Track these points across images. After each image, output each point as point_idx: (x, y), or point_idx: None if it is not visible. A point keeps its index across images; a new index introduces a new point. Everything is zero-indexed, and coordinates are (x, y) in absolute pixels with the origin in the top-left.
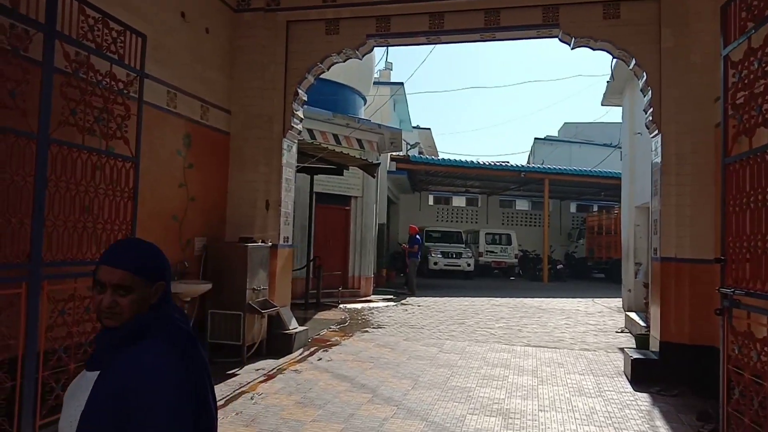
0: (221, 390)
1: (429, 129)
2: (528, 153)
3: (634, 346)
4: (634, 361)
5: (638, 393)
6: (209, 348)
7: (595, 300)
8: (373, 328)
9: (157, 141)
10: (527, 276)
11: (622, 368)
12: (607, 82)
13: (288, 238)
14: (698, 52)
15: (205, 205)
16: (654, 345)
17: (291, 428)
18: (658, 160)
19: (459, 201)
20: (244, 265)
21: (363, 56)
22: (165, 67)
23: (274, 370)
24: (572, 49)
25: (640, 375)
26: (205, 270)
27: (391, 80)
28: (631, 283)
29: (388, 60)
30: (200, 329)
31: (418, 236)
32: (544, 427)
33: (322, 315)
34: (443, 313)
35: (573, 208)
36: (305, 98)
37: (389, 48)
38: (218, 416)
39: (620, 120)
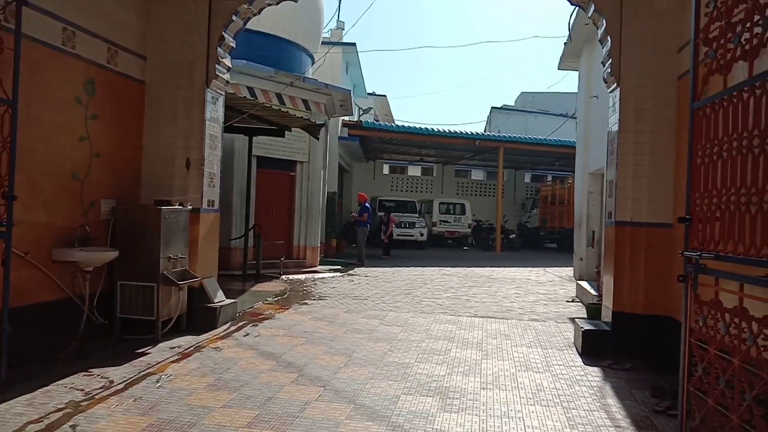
0: (123, 372)
1: (384, 96)
2: (484, 123)
3: (585, 316)
4: (585, 333)
5: (589, 367)
6: (119, 324)
7: (547, 269)
8: (314, 299)
9: (50, 85)
10: (480, 246)
11: (572, 340)
12: (564, 44)
13: (213, 201)
14: None
15: (114, 163)
16: (606, 315)
17: (195, 416)
18: (616, 116)
19: (414, 170)
20: (157, 231)
21: None
22: None
23: (191, 348)
24: None
25: (591, 347)
26: (114, 236)
27: (343, 41)
28: (583, 252)
29: (340, 19)
30: (108, 303)
31: (368, 204)
32: (485, 408)
33: (260, 287)
34: (391, 283)
35: (527, 178)
36: (233, 44)
37: (341, 3)
38: (113, 403)
39: (576, 90)
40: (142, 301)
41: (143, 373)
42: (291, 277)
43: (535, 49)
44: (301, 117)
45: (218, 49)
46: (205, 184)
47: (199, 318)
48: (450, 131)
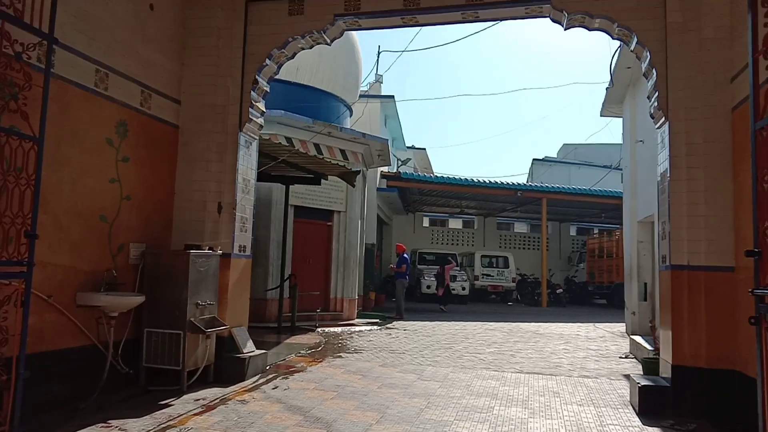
0: (143, 424)
1: (424, 149)
2: (526, 175)
3: (641, 372)
4: (642, 389)
5: (648, 427)
6: (145, 374)
7: (597, 325)
8: (349, 353)
9: (80, 125)
10: (525, 301)
11: (628, 398)
12: (606, 89)
13: (245, 247)
14: (710, 25)
15: (145, 207)
16: (665, 370)
17: None
18: (666, 152)
19: (455, 223)
20: (185, 276)
21: (332, 41)
22: (94, 41)
23: (216, 401)
24: (565, 29)
25: (650, 406)
26: (142, 282)
27: (382, 93)
28: (635, 305)
29: (378, 73)
30: (134, 351)
31: (406, 255)
32: None
33: (294, 339)
34: (430, 337)
35: (572, 231)
36: (267, 89)
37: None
38: None
39: (620, 141)
40: (168, 349)
41: (163, 425)
42: (327, 329)
43: (577, 96)
44: (337, 164)
45: (252, 93)
46: (237, 229)
47: (227, 369)
48: (491, 181)
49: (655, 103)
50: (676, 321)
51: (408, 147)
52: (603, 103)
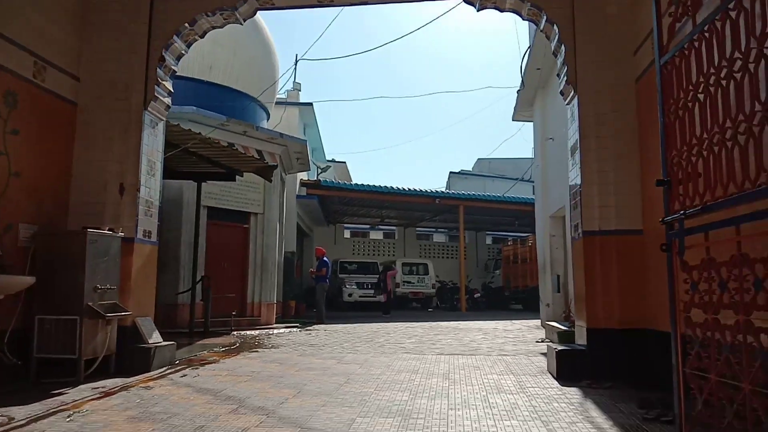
0: (30, 410)
1: (344, 162)
2: (444, 188)
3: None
4: (559, 353)
5: (566, 387)
6: (36, 364)
7: (514, 321)
8: (266, 348)
9: None
10: (446, 307)
11: (546, 368)
12: (518, 92)
13: (150, 232)
14: (614, 2)
15: (38, 186)
16: (581, 336)
17: None
18: (576, 124)
19: (376, 234)
20: (81, 257)
21: (245, 20)
22: None
23: (117, 387)
24: (478, 11)
25: (567, 369)
26: (34, 265)
27: (300, 101)
28: (549, 297)
29: (296, 80)
30: (24, 342)
31: (326, 258)
32: (454, 425)
33: (208, 341)
34: (351, 334)
35: (488, 240)
36: (174, 68)
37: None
38: None
39: (530, 155)
40: (62, 337)
41: (54, 410)
42: (244, 332)
43: (490, 102)
44: (252, 157)
45: (158, 70)
46: (141, 213)
47: (131, 360)
48: (410, 189)
49: (565, 79)
50: (589, 286)
51: (328, 160)
52: (515, 107)
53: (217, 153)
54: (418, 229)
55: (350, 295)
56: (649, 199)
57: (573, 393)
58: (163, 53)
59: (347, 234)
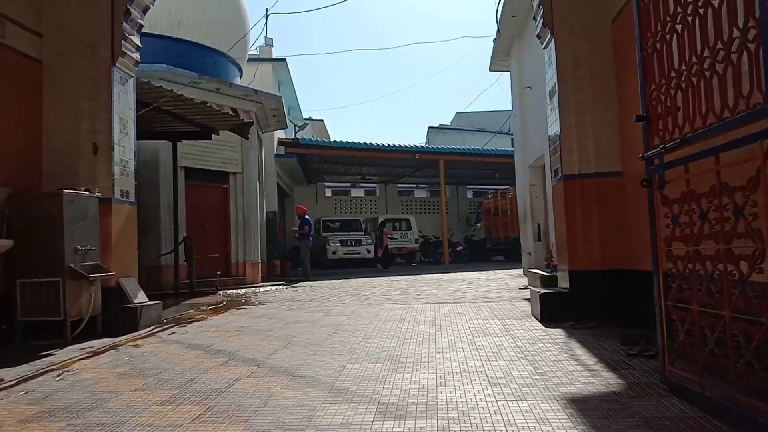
0: (18, 371)
1: (322, 120)
2: (423, 143)
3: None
4: (543, 297)
5: (550, 329)
6: (22, 328)
7: (497, 271)
8: (253, 305)
9: None
10: (429, 260)
11: (530, 312)
12: (494, 40)
13: (128, 192)
14: None
15: (6, 149)
16: (563, 279)
17: (97, 400)
18: (553, 68)
19: (357, 192)
20: (59, 218)
21: None
22: None
23: (106, 347)
24: None
25: (551, 311)
26: (9, 230)
27: (273, 57)
28: (531, 246)
29: (268, 36)
30: (8, 306)
31: (307, 216)
32: (443, 367)
33: (195, 301)
34: (337, 289)
35: (469, 194)
36: (141, 21)
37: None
38: None
39: (508, 108)
40: (46, 299)
41: (42, 370)
42: (230, 291)
43: (466, 54)
44: (227, 114)
45: (124, 24)
46: (117, 172)
47: (118, 320)
48: (390, 144)
49: (541, 21)
50: (570, 229)
51: (305, 119)
52: (491, 57)
53: (190, 111)
54: (399, 185)
55: (334, 252)
56: (628, 141)
57: (557, 334)
58: (128, 6)
59: (328, 193)
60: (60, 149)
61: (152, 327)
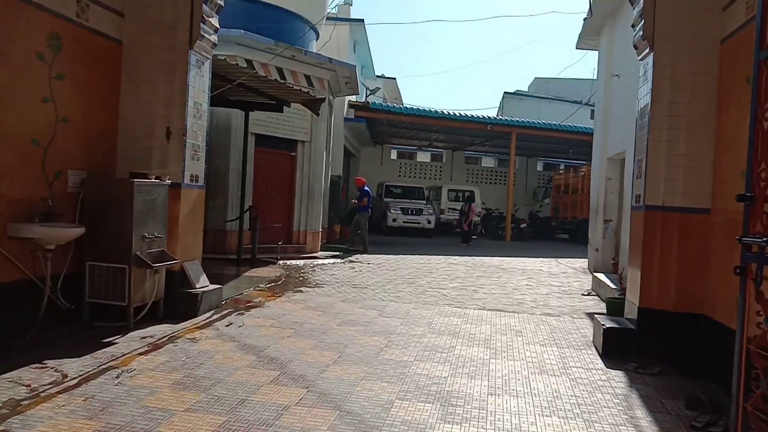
0: (82, 365)
1: (394, 79)
2: (497, 109)
3: (605, 312)
4: (607, 332)
5: (612, 371)
6: (88, 309)
7: (559, 260)
8: (310, 287)
9: (4, 37)
10: (490, 235)
11: (591, 338)
12: (584, 19)
13: (197, 176)
14: None
15: (85, 131)
16: (630, 312)
17: (150, 421)
18: (648, 86)
19: (423, 156)
20: (129, 207)
21: None
22: None
23: (165, 338)
24: None
25: (614, 348)
26: (83, 212)
27: (351, 17)
28: (599, 242)
29: None
30: (77, 286)
31: (366, 188)
32: (494, 419)
33: (254, 272)
34: (394, 271)
35: (540, 166)
36: (221, 2)
37: None
38: (60, 403)
39: (592, 76)
40: (112, 284)
41: (103, 366)
42: (289, 262)
43: (552, 27)
44: (300, 90)
45: (204, 6)
46: (188, 157)
47: (179, 305)
48: (461, 114)
49: (640, 32)
50: (646, 262)
51: (378, 76)
52: (579, 35)
53: (266, 85)
54: (466, 152)
55: (394, 220)
56: (721, 177)
57: (618, 379)
58: None
59: (394, 155)
60: (134, 133)
61: (211, 312)
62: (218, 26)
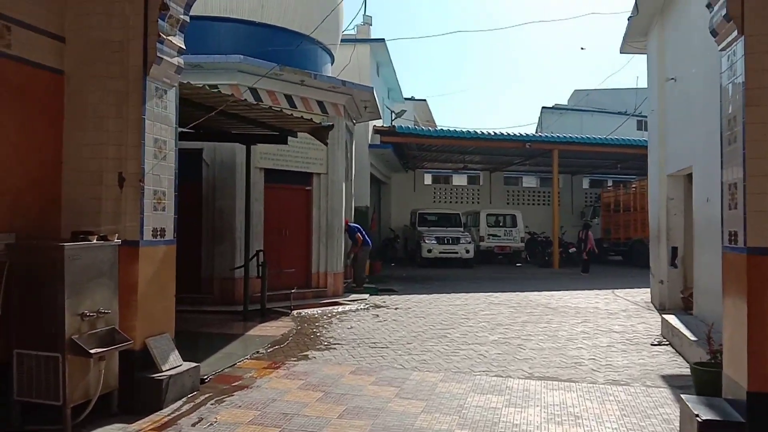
0: None
1: (425, 100)
2: (535, 125)
3: (688, 376)
4: (705, 427)
5: None
6: (19, 410)
7: (616, 292)
8: (319, 349)
9: None
10: (535, 262)
11: (677, 425)
12: (629, 18)
13: (163, 230)
14: None
15: (14, 183)
16: (732, 391)
17: None
18: (737, 80)
19: (459, 180)
20: (60, 278)
21: None
22: None
23: None
24: None
25: None
26: (9, 286)
27: (371, 38)
28: (664, 273)
29: (366, 14)
30: (6, 377)
31: (352, 225)
32: None
33: (260, 329)
34: (424, 319)
35: (585, 183)
36: (184, 18)
37: None
38: None
39: (636, 84)
40: (44, 377)
41: None
42: (304, 312)
43: (590, 32)
44: (301, 118)
45: (160, 23)
46: (148, 207)
47: (138, 395)
48: (496, 133)
49: (722, 12)
50: (754, 328)
51: (406, 98)
52: (624, 37)
53: (261, 114)
54: (505, 173)
55: (429, 251)
56: None
57: None
58: (166, 0)
59: (428, 180)
60: (81, 180)
61: (182, 402)
62: (182, 46)
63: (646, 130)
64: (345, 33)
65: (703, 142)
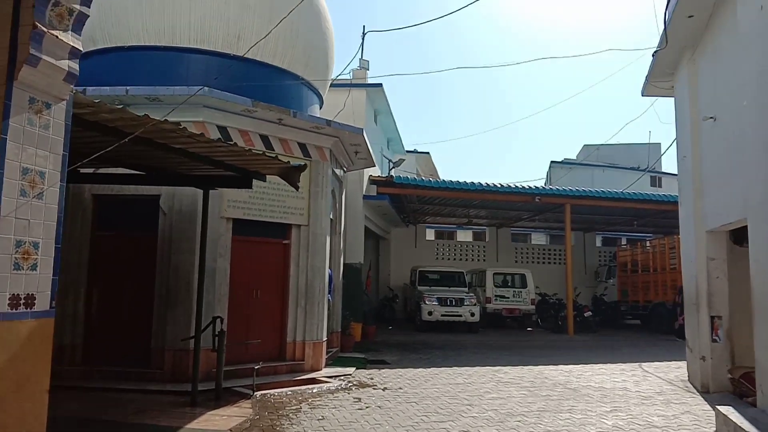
0: None
1: (428, 153)
2: (543, 179)
3: None
4: None
5: None
6: None
7: (644, 366)
8: None
9: None
10: (547, 326)
11: None
12: (654, 53)
13: (31, 298)
14: None
15: None
16: None
17: None
18: None
19: (464, 235)
20: None
21: None
22: None
23: None
24: None
25: None
26: None
27: (368, 82)
28: (706, 348)
29: (363, 58)
30: None
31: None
32: None
33: (208, 419)
34: (417, 405)
35: (598, 241)
36: (83, 9)
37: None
38: None
39: (646, 141)
40: None
41: None
42: (270, 392)
43: (610, 68)
44: (263, 153)
45: (40, 8)
46: (10, 265)
47: None
48: (503, 185)
49: None
50: None
51: (408, 151)
52: (647, 76)
53: (212, 151)
54: (513, 229)
55: (430, 313)
56: None
57: None
58: None
59: (430, 235)
60: None
61: None
62: (77, 47)
63: (660, 186)
64: (340, 77)
65: (763, 189)
